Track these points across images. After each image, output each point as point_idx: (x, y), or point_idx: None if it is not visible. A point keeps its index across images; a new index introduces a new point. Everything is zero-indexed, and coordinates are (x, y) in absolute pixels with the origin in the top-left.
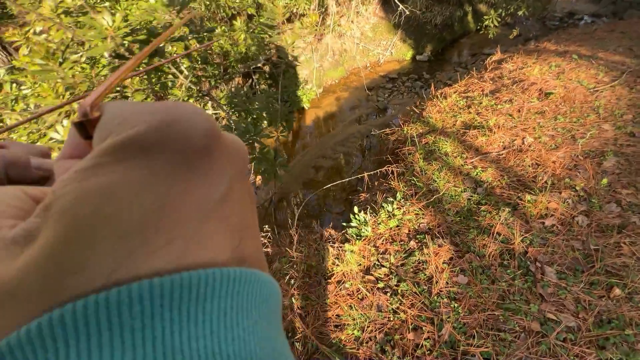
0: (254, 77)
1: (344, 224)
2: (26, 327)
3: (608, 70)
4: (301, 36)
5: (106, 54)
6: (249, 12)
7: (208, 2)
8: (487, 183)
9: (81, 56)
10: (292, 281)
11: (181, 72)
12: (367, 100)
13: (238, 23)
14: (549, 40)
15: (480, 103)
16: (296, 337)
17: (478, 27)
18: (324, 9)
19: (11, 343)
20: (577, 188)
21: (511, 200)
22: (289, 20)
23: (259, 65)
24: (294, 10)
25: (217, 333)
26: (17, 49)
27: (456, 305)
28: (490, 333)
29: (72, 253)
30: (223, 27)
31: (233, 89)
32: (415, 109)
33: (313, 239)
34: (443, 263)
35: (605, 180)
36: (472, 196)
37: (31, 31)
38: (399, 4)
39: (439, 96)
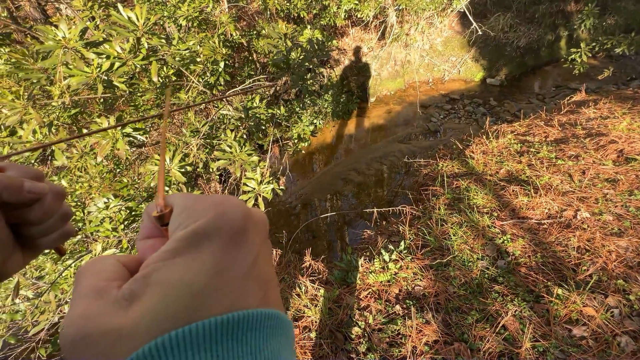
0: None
1: (337, 262)
2: (138, 352)
3: None
4: (364, 41)
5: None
6: (315, 13)
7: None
8: (513, 257)
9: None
10: None
11: (196, 78)
12: (419, 118)
13: (282, 26)
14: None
15: (538, 152)
16: None
17: (566, 57)
18: (384, 18)
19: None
20: (633, 297)
21: (536, 288)
22: (354, 24)
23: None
24: (358, 16)
25: (257, 352)
26: None
27: None
28: None
29: (167, 308)
30: (269, 28)
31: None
32: (458, 143)
33: (300, 266)
34: (424, 345)
35: None
36: (488, 268)
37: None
38: (473, 20)
39: (490, 133)
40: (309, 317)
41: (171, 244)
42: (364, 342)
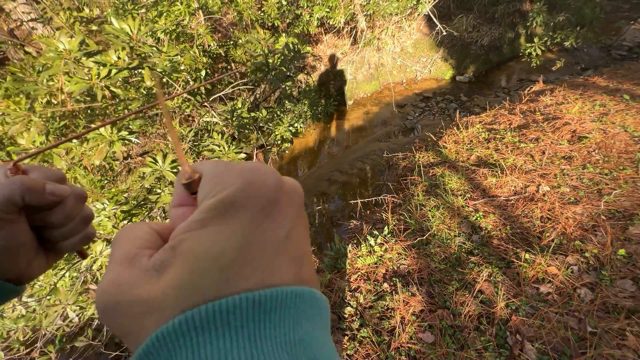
0: (282, 85)
1: (326, 252)
2: (166, 325)
3: None
4: (338, 47)
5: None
6: (288, 22)
7: (236, 13)
8: (485, 231)
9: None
10: None
11: (179, 84)
12: (396, 117)
13: (259, 33)
14: (602, 74)
15: (503, 138)
16: None
17: (524, 52)
18: (355, 24)
19: (160, 333)
20: (588, 254)
21: (507, 256)
22: (327, 31)
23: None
24: (330, 23)
25: (288, 332)
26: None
27: None
28: None
29: (193, 281)
30: (246, 37)
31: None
32: (432, 135)
33: None
34: (412, 314)
35: (623, 251)
36: (464, 243)
37: None
38: (438, 23)
39: (460, 124)
40: None
41: (199, 214)
42: (356, 319)
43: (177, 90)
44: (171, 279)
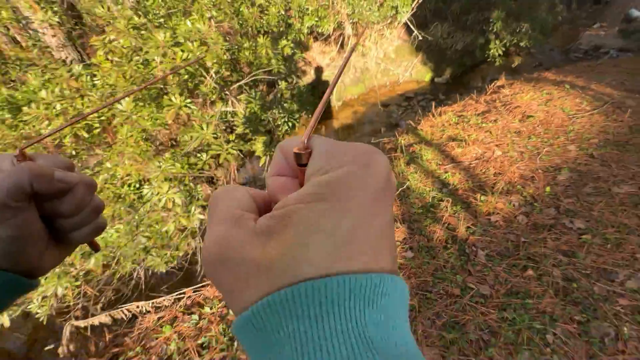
0: (278, 85)
1: None
2: (282, 291)
3: (593, 100)
4: (325, 53)
5: (157, 58)
6: (277, 30)
7: (241, 22)
8: (453, 185)
9: (139, 58)
10: None
11: (210, 75)
12: (381, 115)
13: (262, 39)
14: (551, 70)
15: (469, 121)
16: None
17: (487, 56)
18: (342, 31)
19: (275, 300)
20: (526, 194)
21: (468, 199)
22: (316, 39)
23: (283, 76)
24: (319, 31)
25: (391, 317)
26: (89, 52)
27: (398, 271)
28: (419, 292)
29: (306, 252)
30: (250, 42)
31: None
32: (413, 123)
33: None
34: (396, 241)
35: (548, 189)
36: (436, 194)
37: (107, 39)
38: (414, 29)
39: (435, 113)
40: None
41: (313, 188)
42: None
43: (210, 77)
44: (282, 246)
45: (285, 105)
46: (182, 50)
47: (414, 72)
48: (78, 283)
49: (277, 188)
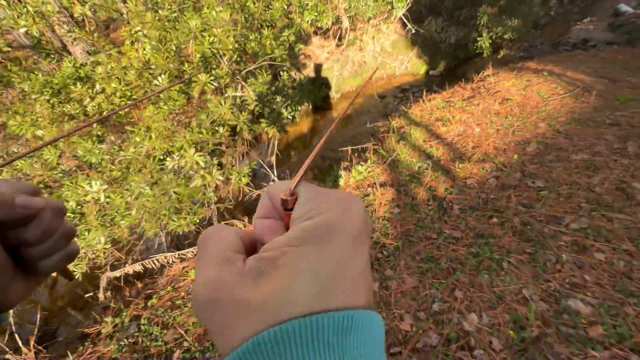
0: (280, 76)
1: (327, 178)
2: (267, 332)
3: (566, 85)
4: (324, 47)
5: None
6: (281, 24)
7: (247, 16)
8: (436, 157)
9: (171, 43)
10: None
11: (224, 61)
12: (378, 106)
13: (266, 32)
14: (533, 60)
15: (455, 105)
16: None
17: (476, 48)
18: (340, 25)
19: (262, 340)
20: (497, 162)
21: (448, 167)
22: (315, 33)
23: (285, 68)
24: (318, 25)
25: (369, 348)
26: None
27: (386, 222)
28: (402, 237)
29: (293, 292)
30: (255, 34)
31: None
32: (405, 108)
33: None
34: (386, 201)
35: (516, 157)
36: (422, 164)
37: (132, 30)
38: (410, 25)
39: (425, 100)
40: None
41: (298, 232)
42: None
43: (224, 63)
44: (271, 287)
45: (289, 92)
46: (209, 35)
47: (409, 65)
48: (108, 245)
49: (264, 229)
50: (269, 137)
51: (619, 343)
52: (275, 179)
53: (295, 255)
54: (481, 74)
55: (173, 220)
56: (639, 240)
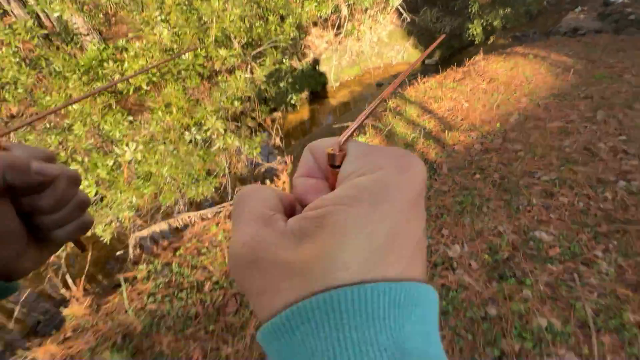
0: (283, 63)
1: None
2: (315, 298)
3: (549, 66)
4: (323, 37)
5: (213, 19)
6: (282, 14)
7: (253, 3)
8: (428, 128)
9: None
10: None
11: (235, 43)
12: (376, 94)
13: (272, 18)
14: (522, 45)
15: (447, 86)
16: None
17: (468, 35)
18: (339, 14)
19: (306, 307)
20: (482, 130)
21: (439, 136)
22: (315, 24)
23: (287, 56)
24: (319, 15)
25: (426, 327)
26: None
27: None
28: None
29: (342, 256)
30: (261, 22)
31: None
32: (400, 91)
33: None
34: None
35: (498, 125)
36: (415, 135)
37: (152, 15)
38: (406, 15)
39: (420, 82)
40: None
41: (349, 190)
42: None
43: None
44: (317, 249)
45: (291, 77)
46: (230, 14)
47: (406, 54)
48: (132, 213)
49: (307, 189)
50: (274, 122)
51: (572, 259)
52: (280, 158)
53: (345, 214)
54: (472, 58)
55: (191, 189)
56: (597, 187)
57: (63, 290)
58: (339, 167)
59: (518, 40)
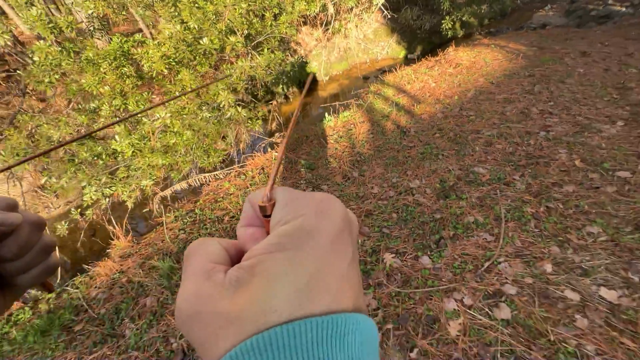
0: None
1: (318, 123)
2: (248, 341)
3: (507, 53)
4: (312, 35)
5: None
6: (275, 12)
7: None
8: (401, 103)
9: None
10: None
11: (238, 34)
12: (363, 86)
13: (268, 14)
14: (487, 37)
15: (419, 71)
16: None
17: (441, 30)
18: (326, 12)
19: (241, 350)
20: (444, 103)
21: (409, 109)
22: (304, 22)
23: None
24: (308, 14)
25: (358, 353)
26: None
27: (364, 142)
28: (374, 149)
29: (271, 300)
30: (257, 19)
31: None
32: (381, 77)
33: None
34: (363, 131)
35: (457, 97)
36: (391, 109)
37: (169, 11)
38: (388, 13)
39: (398, 70)
40: (325, 130)
41: (275, 238)
42: (336, 135)
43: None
44: (249, 296)
45: (286, 69)
46: (238, 8)
47: (390, 50)
48: (152, 182)
49: (247, 238)
50: (270, 112)
51: (497, 182)
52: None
53: (272, 261)
54: (445, 50)
55: (204, 159)
56: (524, 137)
57: (110, 227)
58: (270, 216)
59: (493, 34)
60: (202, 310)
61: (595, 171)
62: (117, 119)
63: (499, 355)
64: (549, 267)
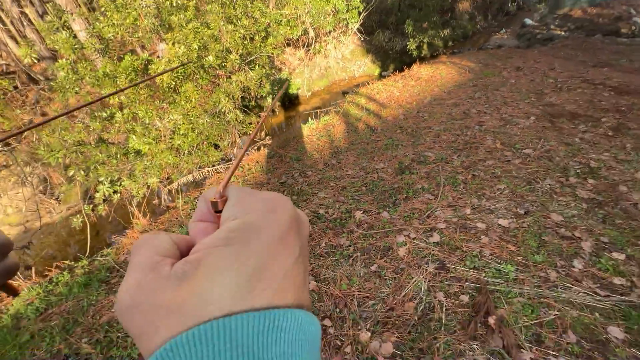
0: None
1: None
2: (185, 333)
3: (459, 69)
4: (295, 55)
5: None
6: (263, 35)
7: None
8: (371, 109)
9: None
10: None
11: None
12: (342, 100)
13: (257, 38)
14: (450, 56)
15: (388, 84)
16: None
17: (408, 51)
18: (307, 35)
19: (178, 342)
20: (405, 108)
21: (378, 112)
22: (288, 44)
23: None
24: (292, 37)
25: (287, 353)
26: None
27: (340, 139)
28: (349, 144)
29: (213, 292)
30: (247, 41)
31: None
32: (356, 90)
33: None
34: (340, 130)
35: (415, 103)
36: (362, 114)
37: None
38: (360, 35)
39: (370, 85)
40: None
41: (223, 233)
42: (321, 135)
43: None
44: (191, 289)
45: (272, 84)
46: (240, 26)
47: (366, 68)
48: (158, 180)
49: (197, 232)
50: (257, 120)
51: (440, 161)
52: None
53: (217, 255)
54: (411, 67)
55: (204, 158)
56: (464, 130)
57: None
58: (221, 211)
59: (455, 54)
60: (143, 301)
61: (509, 150)
62: (122, 87)
63: (430, 262)
64: (468, 211)
